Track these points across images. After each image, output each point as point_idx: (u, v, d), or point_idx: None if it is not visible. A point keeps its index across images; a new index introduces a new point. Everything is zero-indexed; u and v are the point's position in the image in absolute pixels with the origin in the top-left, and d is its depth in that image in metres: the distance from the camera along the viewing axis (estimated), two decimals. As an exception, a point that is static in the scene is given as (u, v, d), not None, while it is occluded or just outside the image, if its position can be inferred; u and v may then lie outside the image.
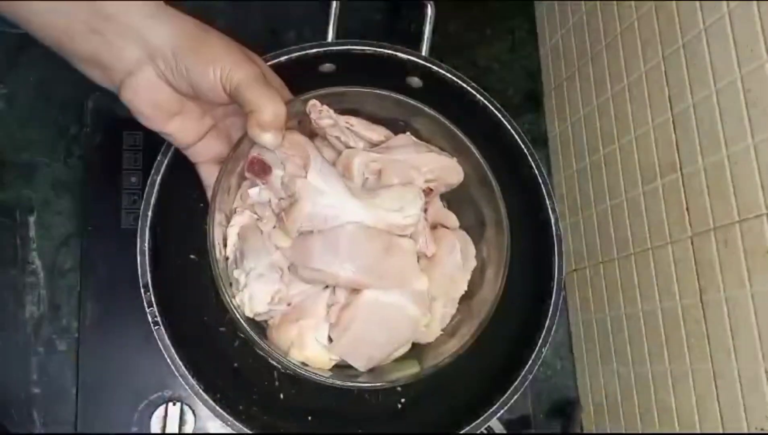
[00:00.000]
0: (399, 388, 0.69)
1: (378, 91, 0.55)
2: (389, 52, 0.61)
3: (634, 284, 0.65)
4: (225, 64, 0.45)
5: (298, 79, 0.63)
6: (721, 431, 0.53)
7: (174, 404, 0.65)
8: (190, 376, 0.53)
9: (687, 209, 0.57)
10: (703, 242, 0.55)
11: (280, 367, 0.67)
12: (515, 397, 0.57)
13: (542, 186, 0.61)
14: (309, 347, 0.55)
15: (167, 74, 0.46)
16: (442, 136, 0.59)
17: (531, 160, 0.61)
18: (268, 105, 0.45)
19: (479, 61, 0.83)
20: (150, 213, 0.56)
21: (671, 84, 0.59)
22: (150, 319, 0.53)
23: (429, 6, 0.64)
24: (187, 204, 0.66)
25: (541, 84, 0.83)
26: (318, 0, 0.78)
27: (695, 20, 0.55)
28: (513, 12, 0.85)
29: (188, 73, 0.45)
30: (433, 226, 0.60)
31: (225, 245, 0.55)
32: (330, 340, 0.55)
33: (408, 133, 0.60)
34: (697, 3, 0.55)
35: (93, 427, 0.64)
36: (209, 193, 0.53)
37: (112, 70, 0.46)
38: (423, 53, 0.63)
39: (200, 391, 0.53)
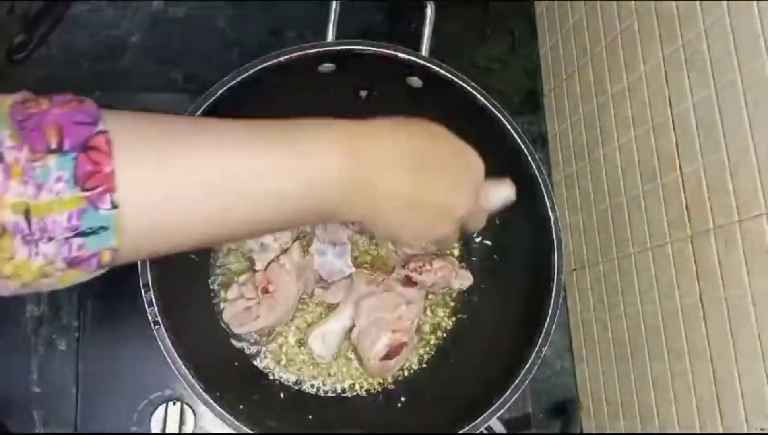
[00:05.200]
0: (399, 388, 0.69)
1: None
2: (389, 52, 0.60)
3: (634, 284, 0.65)
4: None
5: (298, 79, 0.63)
6: (721, 431, 0.53)
7: (174, 404, 0.65)
8: (190, 376, 0.53)
9: (687, 209, 0.57)
10: (703, 242, 0.55)
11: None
12: (515, 396, 0.57)
13: (542, 186, 0.61)
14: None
15: None
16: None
17: (531, 160, 0.61)
18: None
19: (479, 61, 0.83)
20: (150, 213, 0.56)
21: (671, 84, 0.59)
22: (150, 319, 0.53)
23: (429, 6, 0.64)
24: (187, 204, 0.66)
25: (541, 84, 0.83)
26: (318, 0, 0.78)
27: (695, 20, 0.55)
28: (513, 12, 0.85)
29: None
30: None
31: None
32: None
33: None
34: (697, 3, 0.55)
35: (93, 427, 0.64)
36: None
37: None
38: (423, 53, 0.63)
39: (200, 391, 0.53)
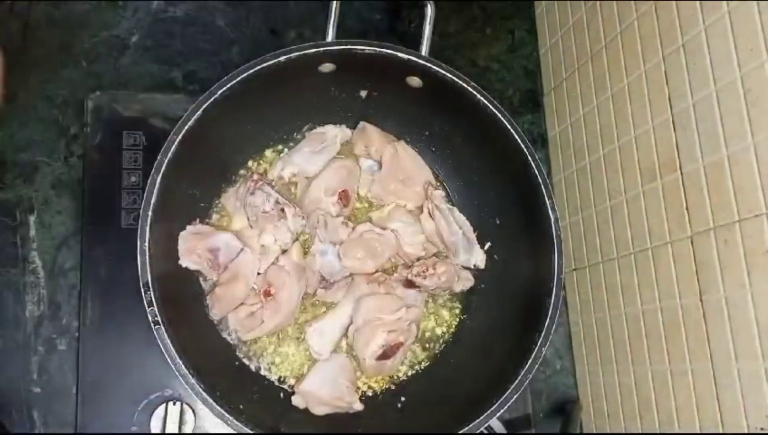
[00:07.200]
0: (399, 388, 0.69)
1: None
2: (389, 52, 0.60)
3: (634, 284, 0.65)
4: None
5: (298, 79, 0.63)
6: (721, 431, 0.53)
7: (174, 404, 0.65)
8: (190, 376, 0.53)
9: (687, 209, 0.57)
10: (703, 242, 0.55)
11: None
12: (515, 397, 0.57)
13: (542, 186, 0.61)
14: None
15: None
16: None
17: (531, 160, 0.61)
18: None
19: (479, 61, 0.83)
20: (150, 213, 0.56)
21: (671, 84, 0.59)
22: (150, 319, 0.53)
23: (429, 6, 0.64)
24: (187, 204, 0.66)
25: (541, 84, 0.83)
26: (318, 0, 0.78)
27: (695, 20, 0.55)
28: (513, 12, 0.85)
29: None
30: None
31: None
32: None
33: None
34: (697, 3, 0.55)
35: (93, 427, 0.64)
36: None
37: None
38: (423, 53, 0.63)
39: (200, 390, 0.53)
